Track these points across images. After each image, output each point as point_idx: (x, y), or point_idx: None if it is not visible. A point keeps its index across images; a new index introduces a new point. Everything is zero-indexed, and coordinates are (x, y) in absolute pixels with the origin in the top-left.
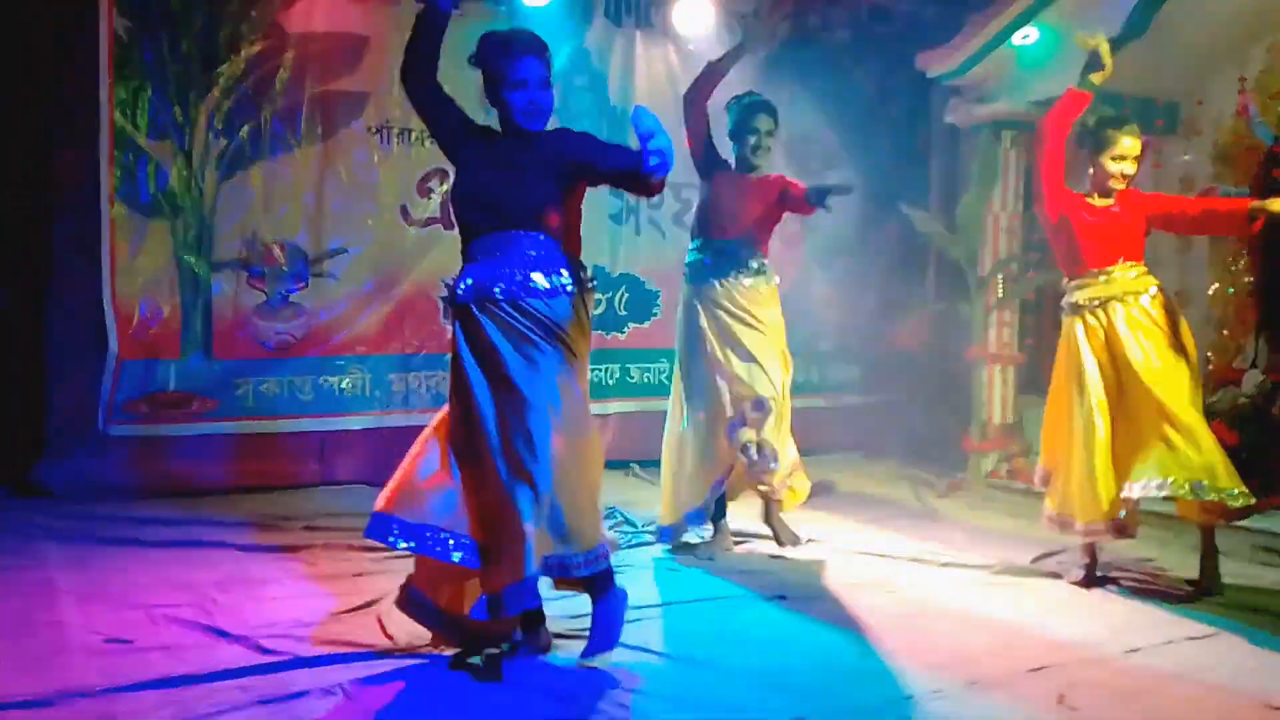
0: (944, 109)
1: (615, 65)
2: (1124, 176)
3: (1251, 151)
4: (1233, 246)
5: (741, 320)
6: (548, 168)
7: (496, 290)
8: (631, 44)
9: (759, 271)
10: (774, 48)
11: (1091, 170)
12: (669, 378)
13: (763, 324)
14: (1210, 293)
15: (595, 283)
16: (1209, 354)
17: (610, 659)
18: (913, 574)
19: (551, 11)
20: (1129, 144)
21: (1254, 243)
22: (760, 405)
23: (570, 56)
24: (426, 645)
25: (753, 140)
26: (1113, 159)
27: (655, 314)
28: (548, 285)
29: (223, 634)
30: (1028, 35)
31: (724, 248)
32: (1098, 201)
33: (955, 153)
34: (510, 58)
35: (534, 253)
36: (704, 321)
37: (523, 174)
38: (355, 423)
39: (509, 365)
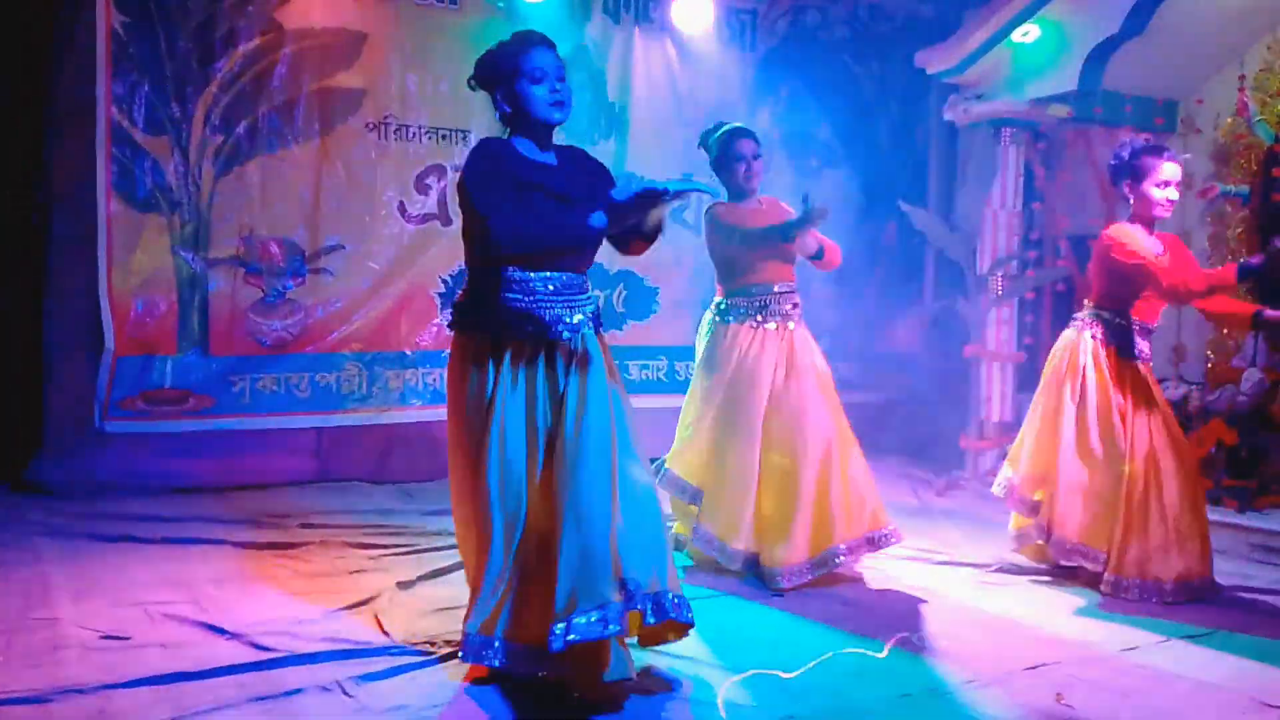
0: (943, 106)
1: (614, 62)
2: (1170, 203)
3: (1251, 150)
4: (1232, 244)
5: (782, 370)
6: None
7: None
8: (630, 40)
9: (786, 316)
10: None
11: (1133, 200)
12: (668, 374)
13: (801, 372)
14: None
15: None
16: (1209, 352)
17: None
18: (910, 572)
19: (550, 8)
20: (1172, 169)
21: (1253, 242)
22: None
23: (568, 53)
24: (423, 643)
25: (742, 168)
26: (1157, 186)
27: (654, 310)
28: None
29: (219, 631)
30: (1027, 33)
31: (758, 289)
32: (1154, 249)
33: (954, 150)
34: (522, 51)
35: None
36: (725, 356)
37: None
38: (352, 419)
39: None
